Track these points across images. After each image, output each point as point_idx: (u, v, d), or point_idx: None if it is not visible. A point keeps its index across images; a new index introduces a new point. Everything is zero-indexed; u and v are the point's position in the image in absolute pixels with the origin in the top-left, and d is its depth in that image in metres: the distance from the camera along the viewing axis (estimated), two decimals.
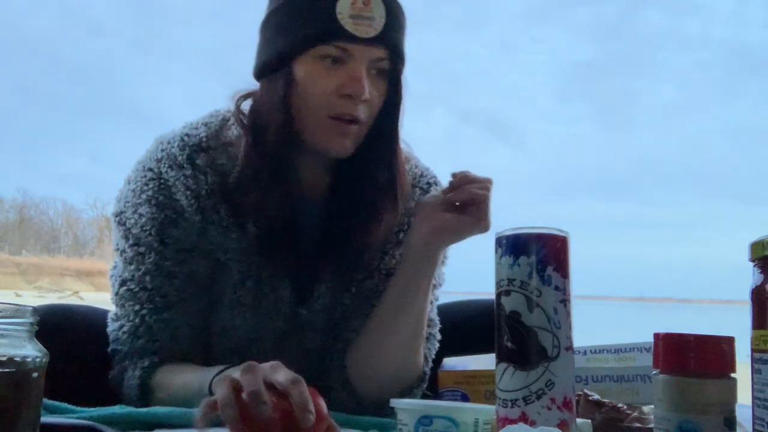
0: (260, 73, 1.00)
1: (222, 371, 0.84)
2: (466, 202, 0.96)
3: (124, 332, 0.99)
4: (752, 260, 0.59)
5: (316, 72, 0.94)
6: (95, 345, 1.02)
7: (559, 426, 0.60)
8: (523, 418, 0.60)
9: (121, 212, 1.00)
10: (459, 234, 0.97)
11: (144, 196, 0.98)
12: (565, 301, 0.62)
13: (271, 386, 0.68)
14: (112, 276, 1.02)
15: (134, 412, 0.81)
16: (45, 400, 0.70)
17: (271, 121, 0.96)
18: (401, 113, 1.01)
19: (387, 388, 1.00)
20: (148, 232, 0.97)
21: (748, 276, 0.59)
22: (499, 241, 0.64)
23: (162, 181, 0.98)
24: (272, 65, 0.97)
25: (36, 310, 0.56)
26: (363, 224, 1.01)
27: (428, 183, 1.13)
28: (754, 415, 0.57)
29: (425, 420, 0.65)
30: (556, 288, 0.62)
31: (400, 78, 0.99)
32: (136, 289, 0.98)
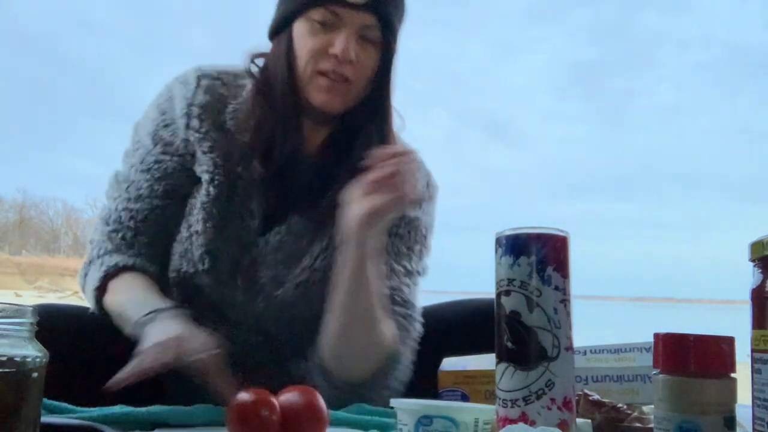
0: (271, 35, 1.11)
1: (152, 313, 0.95)
2: (384, 179, 0.94)
3: (101, 217, 1.14)
4: (752, 260, 0.59)
5: (309, 32, 1.03)
6: (95, 345, 1.02)
7: (559, 426, 0.60)
8: (523, 418, 0.60)
9: (138, 122, 1.16)
10: (380, 214, 0.95)
11: (154, 104, 1.14)
12: (565, 301, 0.62)
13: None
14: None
15: (134, 412, 0.81)
16: (45, 400, 0.70)
17: (277, 76, 1.07)
18: (391, 83, 1.09)
19: (355, 366, 1.03)
20: (145, 131, 1.13)
21: (748, 276, 0.59)
22: (499, 241, 0.64)
23: (169, 91, 1.13)
24: (278, 26, 1.08)
25: (36, 310, 0.56)
26: (342, 181, 1.03)
27: (426, 173, 1.18)
28: (754, 415, 0.57)
29: (425, 420, 0.65)
30: (556, 288, 0.62)
31: (391, 49, 1.07)
32: (121, 179, 1.14)
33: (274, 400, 0.70)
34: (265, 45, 1.12)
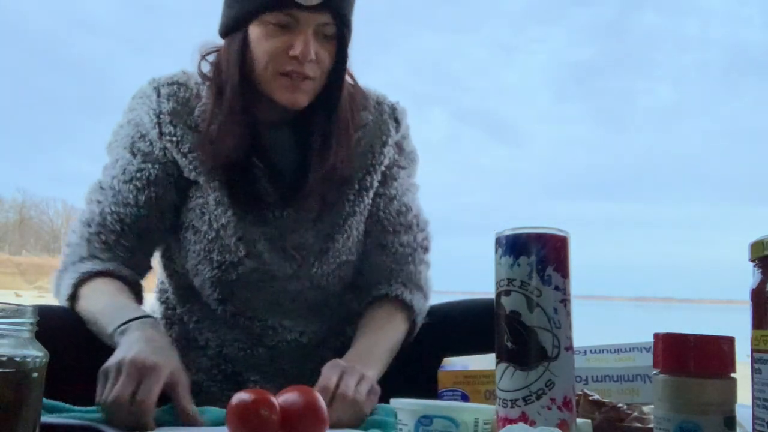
0: (223, 33, 1.12)
1: (124, 324, 0.95)
2: None
3: (81, 221, 1.12)
4: (752, 260, 0.59)
5: (267, 35, 1.05)
6: (94, 345, 1.01)
7: (559, 426, 0.60)
8: (523, 418, 0.60)
9: (110, 143, 1.17)
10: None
11: (119, 129, 1.16)
12: (565, 301, 0.62)
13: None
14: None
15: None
16: (45, 400, 0.70)
17: (229, 76, 1.09)
18: (344, 73, 1.13)
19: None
20: (122, 146, 1.14)
21: (748, 276, 0.59)
22: (499, 241, 0.64)
23: (132, 111, 1.15)
24: (231, 26, 1.09)
25: (36, 310, 0.56)
26: (320, 150, 1.13)
27: (391, 102, 1.24)
28: (754, 415, 0.57)
29: (425, 420, 0.65)
30: (556, 288, 0.62)
31: (346, 42, 1.10)
32: (104, 186, 1.13)
33: (273, 399, 0.69)
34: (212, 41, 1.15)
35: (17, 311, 0.55)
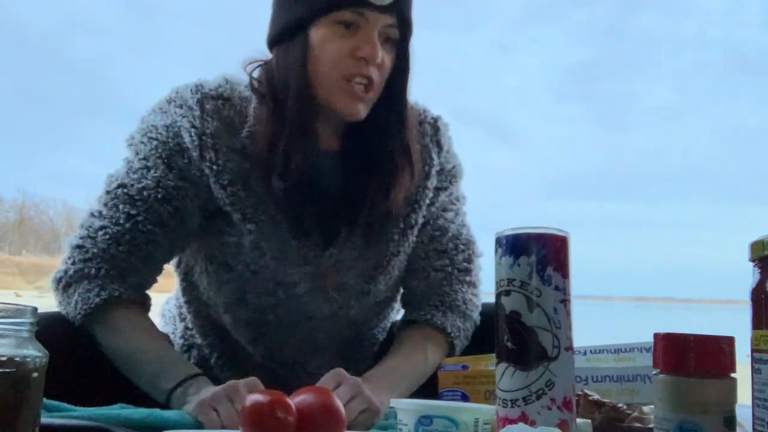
0: (275, 41, 1.05)
1: (182, 382, 0.92)
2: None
3: (105, 233, 1.01)
4: (752, 260, 0.59)
5: (332, 36, 1.00)
6: (94, 352, 1.01)
7: (559, 426, 0.60)
8: (523, 418, 0.60)
9: (132, 137, 1.07)
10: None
11: (153, 131, 1.04)
12: (565, 301, 0.62)
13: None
14: (108, 177, 1.06)
15: (135, 413, 0.81)
16: (45, 400, 0.70)
17: (290, 86, 1.02)
18: (409, 80, 1.07)
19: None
20: (157, 154, 1.03)
21: (748, 276, 0.59)
22: (499, 241, 0.64)
23: (171, 119, 1.04)
24: (289, 31, 1.02)
25: (36, 310, 0.56)
26: (379, 182, 1.06)
27: (432, 118, 1.17)
28: (754, 415, 0.57)
29: (425, 420, 0.65)
30: (556, 288, 0.62)
31: (408, 47, 1.05)
32: (136, 196, 1.02)
33: (289, 401, 0.68)
34: (256, 52, 1.08)
35: (17, 311, 0.55)
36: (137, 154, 1.05)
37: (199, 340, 1.18)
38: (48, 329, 0.63)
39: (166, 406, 0.92)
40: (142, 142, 1.05)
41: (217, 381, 1.07)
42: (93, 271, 1.01)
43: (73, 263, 1.02)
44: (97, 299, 0.99)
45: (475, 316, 1.16)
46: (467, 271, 1.16)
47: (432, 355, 1.09)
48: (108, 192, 1.04)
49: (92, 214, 1.04)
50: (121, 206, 1.02)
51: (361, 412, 0.87)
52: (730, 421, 0.56)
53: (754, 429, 0.56)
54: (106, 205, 1.03)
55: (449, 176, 1.17)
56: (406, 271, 1.16)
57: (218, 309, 1.12)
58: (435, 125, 1.16)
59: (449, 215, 1.17)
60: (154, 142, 1.04)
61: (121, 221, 1.01)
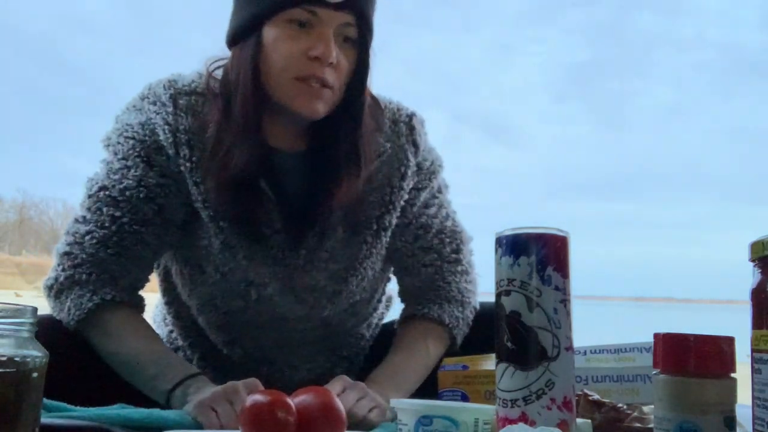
0: (232, 41, 1.03)
1: (181, 383, 0.92)
2: None
3: (92, 237, 1.01)
4: (752, 260, 0.58)
5: (285, 35, 0.97)
6: (94, 352, 1.01)
7: (559, 426, 0.60)
8: (523, 418, 0.60)
9: (108, 138, 1.06)
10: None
11: (129, 129, 1.03)
12: (565, 301, 0.62)
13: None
14: (89, 181, 1.05)
15: (135, 413, 0.81)
16: (45, 400, 0.70)
17: (241, 85, 0.99)
18: (367, 81, 1.04)
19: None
20: (135, 153, 1.02)
21: (748, 276, 0.59)
22: (499, 241, 0.64)
23: (145, 116, 1.03)
24: (243, 30, 1.00)
25: (36, 310, 0.56)
26: (327, 185, 1.03)
27: (407, 115, 1.14)
28: (754, 415, 0.56)
29: (425, 420, 0.65)
30: (556, 288, 0.62)
31: (368, 47, 1.02)
32: (119, 197, 1.01)
33: (290, 401, 0.68)
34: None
35: (17, 311, 0.55)
36: (116, 154, 1.04)
37: (180, 342, 1.19)
38: (48, 329, 0.63)
39: (166, 406, 0.92)
40: (119, 142, 1.04)
41: (227, 377, 1.09)
42: (84, 276, 1.00)
43: (63, 270, 1.01)
44: (90, 304, 0.99)
45: (473, 301, 1.16)
46: (457, 262, 1.16)
47: (433, 348, 1.09)
48: (90, 196, 1.03)
49: (77, 220, 1.03)
50: (104, 209, 1.01)
51: (369, 411, 0.88)
52: (730, 421, 0.56)
53: (754, 429, 0.56)
54: (89, 209, 1.02)
55: (428, 174, 1.15)
56: (397, 269, 1.17)
57: (192, 309, 1.13)
58: (410, 124, 1.13)
59: (431, 211, 1.16)
60: (131, 141, 1.03)
61: (107, 224, 1.01)
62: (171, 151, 1.02)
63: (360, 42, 1.00)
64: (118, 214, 1.01)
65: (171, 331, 1.20)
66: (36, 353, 0.54)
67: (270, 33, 0.98)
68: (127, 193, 1.01)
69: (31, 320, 0.55)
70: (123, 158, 1.03)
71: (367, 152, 1.05)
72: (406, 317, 1.15)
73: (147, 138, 1.02)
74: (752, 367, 0.57)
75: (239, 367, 1.13)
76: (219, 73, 1.06)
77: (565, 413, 0.61)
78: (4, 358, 0.52)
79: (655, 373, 0.61)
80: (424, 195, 1.15)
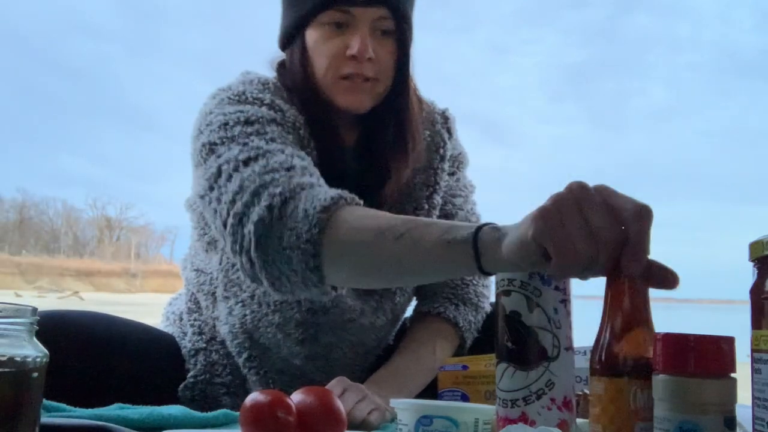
0: (282, 45, 1.10)
1: (482, 226, 0.68)
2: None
3: (273, 153, 0.91)
4: (752, 260, 0.58)
5: (324, 37, 1.02)
6: (93, 352, 1.01)
7: (559, 426, 0.60)
8: (523, 418, 0.60)
9: (207, 125, 1.00)
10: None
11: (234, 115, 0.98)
12: (565, 301, 0.62)
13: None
14: (204, 137, 0.98)
15: (134, 413, 0.81)
16: (45, 400, 0.70)
17: (296, 86, 1.06)
18: (410, 72, 1.08)
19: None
20: (266, 96, 1.03)
21: (748, 276, 0.59)
22: None
23: (261, 83, 1.06)
24: (290, 35, 1.07)
25: (36, 310, 0.56)
26: (377, 175, 1.07)
27: (441, 109, 1.19)
28: (754, 415, 0.56)
29: (425, 420, 0.65)
30: (556, 288, 0.62)
31: (406, 38, 1.05)
32: (258, 119, 0.97)
33: (289, 401, 0.68)
34: (255, 54, 1.10)
35: (17, 311, 0.54)
36: (235, 96, 1.01)
37: (204, 344, 1.13)
38: (48, 329, 0.63)
39: (165, 404, 0.92)
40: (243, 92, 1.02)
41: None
42: (306, 179, 0.88)
43: (277, 185, 0.86)
44: (333, 193, 0.84)
45: (486, 306, 1.17)
46: None
47: (441, 350, 1.09)
48: (218, 171, 0.93)
49: (227, 162, 0.92)
50: (266, 127, 0.96)
51: (369, 413, 0.88)
52: (730, 421, 0.56)
53: (754, 429, 0.56)
54: (243, 141, 0.94)
55: (456, 162, 1.20)
56: None
57: (265, 308, 1.07)
58: (444, 115, 1.19)
59: (458, 201, 1.18)
60: (258, 85, 1.06)
61: (274, 135, 0.95)
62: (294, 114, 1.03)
63: (398, 33, 1.04)
64: (273, 126, 0.97)
65: (191, 339, 1.14)
66: (36, 353, 0.54)
67: (312, 36, 1.04)
68: (263, 115, 0.98)
69: (31, 320, 0.55)
70: (252, 96, 1.01)
71: (415, 139, 1.09)
72: (419, 313, 1.15)
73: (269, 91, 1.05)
74: (752, 367, 0.57)
75: (291, 369, 1.11)
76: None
77: (565, 413, 0.61)
78: (4, 358, 0.52)
79: (655, 373, 0.61)
80: (451, 181, 1.18)
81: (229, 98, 1.01)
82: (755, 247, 0.58)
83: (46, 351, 0.56)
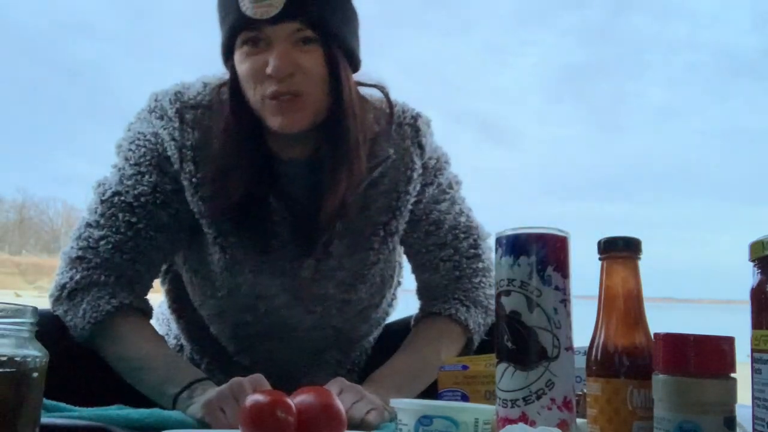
0: (224, 63, 1.05)
1: (188, 386, 0.91)
2: None
3: (107, 242, 1.01)
4: (752, 260, 0.58)
5: (244, 57, 0.98)
6: (94, 352, 1.01)
7: (559, 426, 0.60)
8: (523, 418, 0.60)
9: (120, 145, 1.06)
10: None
11: (141, 137, 1.04)
12: (565, 301, 0.62)
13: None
14: (99, 186, 1.05)
15: (134, 413, 0.81)
16: (45, 400, 0.70)
17: (232, 110, 1.01)
18: (345, 83, 1.00)
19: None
20: (147, 161, 1.03)
21: (748, 276, 0.59)
22: (499, 241, 0.64)
23: (153, 128, 1.04)
24: (224, 59, 1.03)
25: (36, 310, 0.56)
26: (323, 191, 1.03)
27: (412, 117, 1.13)
28: (754, 415, 0.56)
29: (425, 420, 0.65)
30: (556, 288, 0.62)
31: (331, 46, 0.98)
32: (134, 203, 1.02)
33: (290, 401, 0.68)
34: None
35: (17, 311, 0.55)
36: (127, 160, 1.04)
37: (187, 347, 1.19)
38: (48, 329, 0.63)
39: (169, 409, 0.92)
40: (131, 149, 1.04)
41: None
42: (102, 278, 1.00)
43: (78, 272, 1.01)
44: (108, 307, 0.99)
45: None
46: (476, 257, 1.15)
47: (446, 350, 1.08)
48: (103, 201, 1.03)
49: (89, 225, 1.03)
50: (120, 215, 1.02)
51: (367, 412, 0.88)
52: (730, 421, 0.56)
53: (754, 429, 0.56)
54: (103, 215, 1.02)
55: (434, 171, 1.14)
56: (414, 266, 1.16)
57: (203, 318, 1.13)
58: (415, 126, 1.11)
59: (443, 206, 1.14)
60: (143, 149, 1.04)
61: (122, 229, 1.02)
62: (176, 166, 1.02)
63: (321, 41, 0.98)
64: (134, 220, 1.01)
65: (176, 336, 1.20)
66: (36, 353, 0.54)
67: (237, 58, 1.00)
68: (143, 198, 1.02)
69: (31, 320, 0.55)
70: (136, 164, 1.03)
71: (359, 155, 1.02)
72: (427, 313, 1.13)
73: (158, 147, 1.03)
74: (752, 367, 0.57)
75: (249, 373, 1.12)
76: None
77: (565, 413, 0.61)
78: (4, 358, 0.52)
79: (655, 373, 0.61)
80: (430, 190, 1.14)
81: (123, 151, 1.05)
82: (755, 247, 0.58)
83: (46, 351, 0.56)
